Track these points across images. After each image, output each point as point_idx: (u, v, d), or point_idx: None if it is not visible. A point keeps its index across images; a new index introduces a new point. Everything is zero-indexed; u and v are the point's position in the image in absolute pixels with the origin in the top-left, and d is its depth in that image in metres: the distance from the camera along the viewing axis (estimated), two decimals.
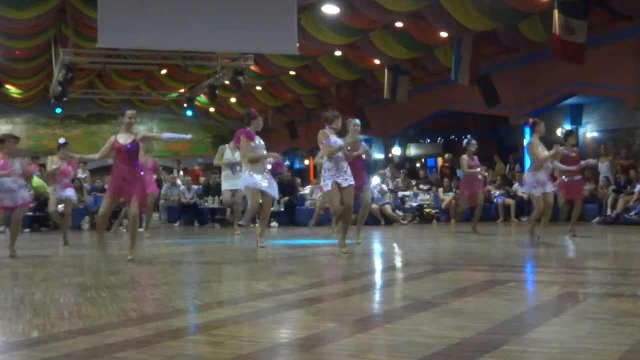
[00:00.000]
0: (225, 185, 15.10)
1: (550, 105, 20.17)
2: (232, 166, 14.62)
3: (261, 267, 8.40)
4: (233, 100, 31.00)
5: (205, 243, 12.98)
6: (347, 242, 9.81)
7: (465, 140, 14.18)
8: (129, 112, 9.18)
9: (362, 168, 10.89)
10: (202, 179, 22.67)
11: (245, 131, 10.37)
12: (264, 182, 10.33)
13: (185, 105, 29.11)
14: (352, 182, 9.53)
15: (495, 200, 19.39)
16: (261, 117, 10.68)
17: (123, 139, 9.03)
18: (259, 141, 10.44)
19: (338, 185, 9.44)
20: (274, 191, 10.56)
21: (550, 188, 11.29)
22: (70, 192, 12.19)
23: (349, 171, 9.55)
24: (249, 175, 10.35)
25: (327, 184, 9.52)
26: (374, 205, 18.21)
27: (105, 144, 9.33)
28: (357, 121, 10.59)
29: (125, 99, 31.33)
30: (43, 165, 18.13)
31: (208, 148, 36.28)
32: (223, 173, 15.23)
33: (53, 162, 11.87)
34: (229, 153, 14.84)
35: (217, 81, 24.22)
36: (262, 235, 10.71)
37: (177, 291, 6.27)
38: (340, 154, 9.48)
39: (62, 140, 12.22)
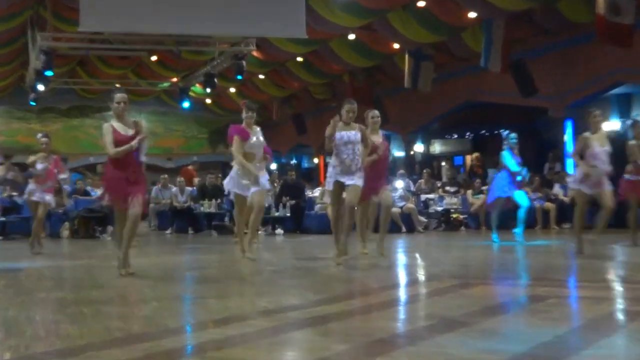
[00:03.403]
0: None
1: (594, 95, 20.06)
2: None
3: (264, 280, 8.38)
4: (232, 90, 31.01)
5: (201, 253, 12.98)
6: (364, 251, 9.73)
7: (506, 133, 13.96)
8: (119, 96, 8.60)
9: (384, 169, 10.76)
10: (196, 180, 22.69)
11: (238, 129, 10.25)
12: (253, 186, 10.18)
13: (178, 95, 29.13)
14: (358, 183, 9.37)
15: (532, 204, 19.29)
16: (253, 110, 10.40)
17: (122, 128, 8.52)
18: (256, 138, 10.24)
19: (340, 185, 9.36)
20: (264, 181, 10.34)
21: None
22: (49, 198, 12.20)
23: (358, 174, 9.40)
24: (237, 176, 10.26)
25: (328, 183, 9.49)
26: (394, 209, 18.17)
27: (105, 135, 8.49)
28: (376, 112, 10.46)
29: (111, 89, 31.35)
30: (19, 165, 18.23)
31: (204, 145, 36.36)
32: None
33: (38, 160, 11.92)
34: None
35: (214, 69, 24.23)
36: (251, 242, 10.60)
37: (169, 308, 6.26)
38: (351, 150, 9.37)
39: (39, 134, 12.28)
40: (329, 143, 9.44)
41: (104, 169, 8.96)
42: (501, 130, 27.29)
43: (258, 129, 10.38)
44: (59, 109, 35.14)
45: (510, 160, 13.43)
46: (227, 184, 10.50)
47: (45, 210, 12.38)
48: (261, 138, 10.35)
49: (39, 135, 12.44)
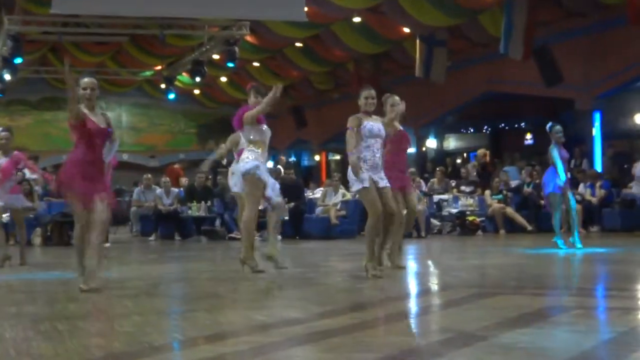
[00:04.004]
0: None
1: (625, 84, 20.11)
2: None
3: (261, 291, 8.41)
4: (223, 79, 31.05)
5: (189, 262, 13.00)
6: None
7: (549, 125, 13.58)
8: (86, 81, 8.43)
9: (405, 166, 10.70)
10: (184, 181, 22.73)
11: (247, 109, 9.95)
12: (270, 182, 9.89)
13: (163, 86, 29.17)
14: (388, 184, 9.28)
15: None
16: (263, 94, 9.96)
17: (95, 118, 8.32)
18: (266, 127, 9.95)
19: (375, 184, 9.15)
20: (276, 186, 10.05)
21: None
22: (16, 199, 12.07)
23: (383, 172, 9.29)
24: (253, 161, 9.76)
25: (362, 179, 9.02)
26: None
27: (75, 113, 8.32)
28: (397, 98, 10.13)
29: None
30: None
31: (192, 141, 36.39)
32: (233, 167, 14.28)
33: None
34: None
35: (203, 55, 24.25)
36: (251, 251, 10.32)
37: (153, 323, 6.29)
38: (379, 145, 9.19)
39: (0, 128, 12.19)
40: (352, 140, 9.15)
41: (64, 163, 8.59)
42: (522, 124, 27.41)
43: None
44: (28, 100, 35.19)
45: (557, 158, 13.25)
46: (243, 167, 9.88)
47: (19, 215, 12.23)
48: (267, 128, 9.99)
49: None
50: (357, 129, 9.17)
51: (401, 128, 10.48)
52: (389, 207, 9.14)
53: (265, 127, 9.90)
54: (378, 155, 9.20)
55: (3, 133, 11.83)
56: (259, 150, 9.79)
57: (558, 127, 13.24)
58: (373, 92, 9.36)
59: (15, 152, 11.96)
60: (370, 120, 9.24)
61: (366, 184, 9.02)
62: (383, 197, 9.15)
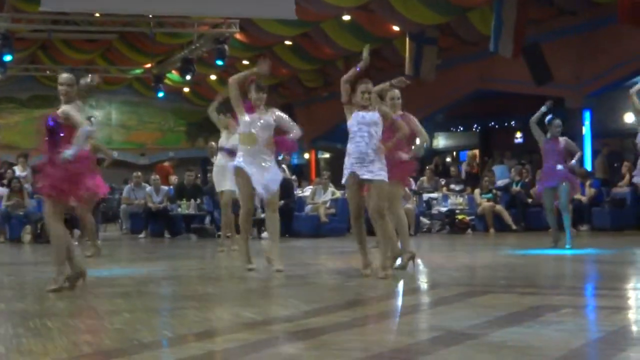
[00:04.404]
0: (226, 184, 13.59)
1: (616, 83, 20.15)
2: (225, 152, 13.68)
3: (249, 289, 8.41)
4: (213, 77, 31.00)
5: (179, 259, 12.99)
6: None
7: (549, 118, 13.48)
8: (63, 77, 8.50)
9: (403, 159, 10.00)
10: (173, 178, 22.71)
11: (247, 104, 9.72)
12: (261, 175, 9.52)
13: (152, 84, 29.10)
14: (381, 177, 8.82)
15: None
16: (264, 90, 9.84)
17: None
18: (263, 121, 9.58)
19: (356, 177, 8.82)
20: (273, 184, 9.67)
21: None
22: None
23: (378, 164, 8.85)
24: (244, 160, 9.56)
25: (343, 175, 8.87)
26: None
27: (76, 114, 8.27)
28: (397, 92, 9.93)
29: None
30: None
31: (181, 139, 36.32)
32: (216, 164, 14.13)
33: None
34: (223, 138, 13.92)
35: (192, 53, 24.23)
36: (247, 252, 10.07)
37: (143, 320, 6.28)
38: (366, 134, 8.82)
39: None
40: (345, 92, 8.91)
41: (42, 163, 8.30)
42: (512, 123, 27.44)
43: (276, 112, 9.80)
44: (18, 98, 35.04)
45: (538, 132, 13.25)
46: (233, 167, 9.81)
47: None
48: (271, 122, 9.66)
49: None
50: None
51: (397, 117, 9.84)
52: (373, 202, 8.80)
53: (259, 122, 9.58)
54: (362, 144, 8.81)
55: None
56: (248, 147, 9.54)
57: (557, 122, 13.22)
58: (370, 86, 9.06)
59: None
60: (362, 110, 8.94)
61: (343, 181, 8.87)
62: (371, 191, 8.84)
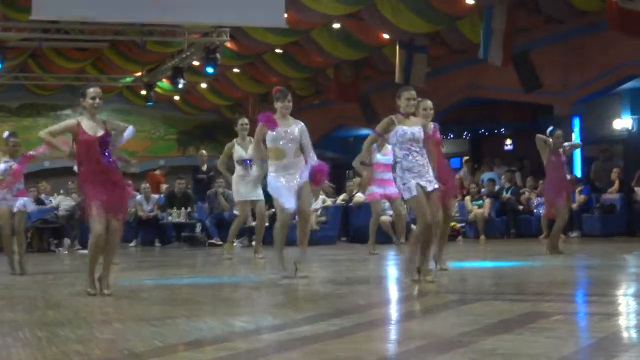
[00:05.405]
0: (241, 193, 13.85)
1: (604, 90, 20.21)
2: (245, 163, 13.60)
3: (240, 298, 8.40)
4: (204, 86, 31.01)
5: (169, 268, 12.97)
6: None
7: (550, 129, 13.49)
8: (93, 90, 8.55)
9: (443, 169, 10.15)
10: (164, 187, 22.65)
11: (266, 116, 9.95)
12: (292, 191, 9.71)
13: (143, 92, 29.06)
14: (437, 186, 8.92)
15: (536, 210, 19.41)
16: (289, 98, 10.13)
17: (91, 128, 8.38)
18: (289, 131, 9.82)
19: (423, 189, 8.78)
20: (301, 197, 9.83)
21: None
22: (23, 202, 11.85)
23: (431, 171, 8.91)
24: (274, 178, 9.80)
25: (408, 189, 8.77)
26: (384, 217, 18.22)
27: (60, 124, 8.76)
28: (429, 103, 9.75)
29: (67, 84, 31.27)
30: None
31: (172, 147, 36.23)
32: (236, 174, 13.99)
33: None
34: (239, 149, 13.78)
35: (183, 62, 24.21)
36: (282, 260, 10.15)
37: (134, 329, 6.26)
38: (418, 149, 8.79)
39: (6, 134, 12.16)
40: (367, 145, 9.11)
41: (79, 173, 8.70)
42: (501, 130, 27.50)
43: (300, 124, 10.01)
44: (8, 107, 34.91)
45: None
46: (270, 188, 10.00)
47: (21, 220, 12.00)
48: (296, 133, 9.85)
49: (5, 134, 12.29)
50: (384, 136, 8.96)
51: (435, 125, 9.97)
52: (431, 213, 8.83)
53: (284, 132, 9.81)
54: (418, 158, 8.80)
55: (11, 139, 11.81)
56: (277, 161, 9.79)
57: (559, 132, 13.26)
58: (414, 93, 9.01)
59: (23, 154, 11.89)
60: (405, 124, 8.85)
61: (414, 192, 8.73)
62: (430, 204, 8.86)
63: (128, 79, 30.48)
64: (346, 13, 20.42)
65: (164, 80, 28.55)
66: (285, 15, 17.87)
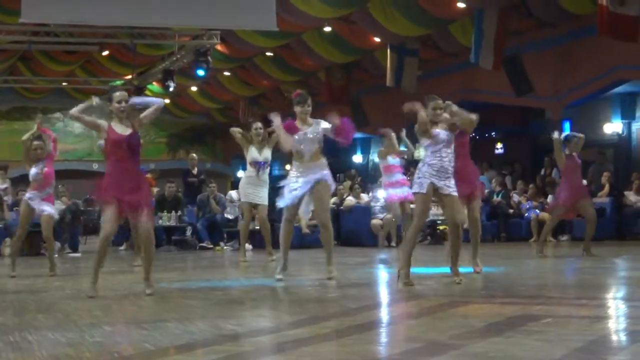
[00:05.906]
0: (247, 195, 14.21)
1: (595, 94, 20.26)
2: (258, 165, 13.96)
3: (231, 301, 8.40)
4: (194, 89, 31.00)
5: (160, 271, 12.95)
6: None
7: (565, 135, 13.61)
8: (119, 95, 8.79)
9: (468, 172, 10.60)
10: (155, 190, 22.62)
11: (288, 124, 10.17)
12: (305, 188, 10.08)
13: (133, 96, 29.03)
14: (455, 193, 9.17)
15: (527, 214, 19.44)
16: (309, 103, 10.27)
17: (120, 129, 8.65)
18: (309, 133, 10.12)
19: (436, 189, 9.07)
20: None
21: None
22: (48, 207, 11.91)
23: (453, 180, 9.18)
24: (290, 177, 10.25)
25: (420, 184, 9.04)
26: (375, 221, 18.25)
27: (93, 118, 9.12)
28: (441, 102, 9.67)
29: (56, 87, 31.27)
30: None
31: (162, 150, 36.24)
32: (245, 174, 14.48)
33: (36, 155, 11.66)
34: (253, 151, 14.04)
35: (173, 65, 24.21)
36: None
37: (124, 332, 6.27)
38: (446, 152, 9.11)
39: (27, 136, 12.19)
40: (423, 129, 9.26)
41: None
42: (492, 133, 27.52)
43: (321, 123, 10.24)
44: None
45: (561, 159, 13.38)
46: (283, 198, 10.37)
47: (49, 225, 12.05)
48: (318, 131, 10.16)
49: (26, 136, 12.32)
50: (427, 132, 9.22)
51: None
52: (453, 216, 9.24)
53: (300, 134, 10.12)
54: (446, 160, 9.10)
55: (36, 142, 11.80)
56: (296, 162, 10.23)
57: (576, 139, 13.37)
58: (441, 102, 9.33)
59: (48, 155, 11.90)
60: (436, 127, 9.22)
61: (423, 190, 9.03)
62: (448, 205, 9.19)
63: (118, 82, 30.45)
64: (337, 16, 20.46)
65: (154, 83, 28.54)
66: (276, 18, 17.85)
